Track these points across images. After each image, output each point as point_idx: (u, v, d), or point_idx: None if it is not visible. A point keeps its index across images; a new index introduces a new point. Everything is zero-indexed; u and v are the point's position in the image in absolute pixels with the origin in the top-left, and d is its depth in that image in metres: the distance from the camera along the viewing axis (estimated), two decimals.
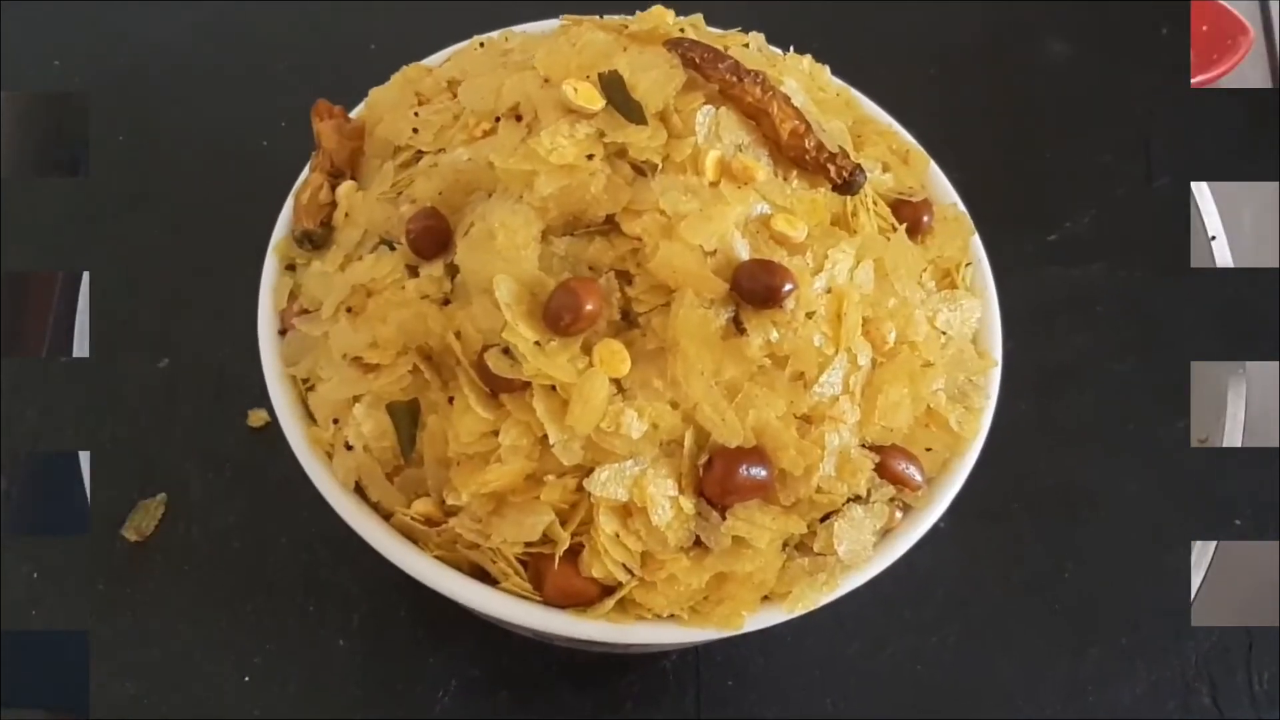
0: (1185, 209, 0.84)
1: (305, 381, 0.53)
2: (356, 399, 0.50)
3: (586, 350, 0.48)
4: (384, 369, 0.50)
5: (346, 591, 0.64)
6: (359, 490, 0.51)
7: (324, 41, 0.88)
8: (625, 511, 0.48)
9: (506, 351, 0.47)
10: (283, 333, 0.54)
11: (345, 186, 0.56)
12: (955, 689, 0.65)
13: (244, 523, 0.66)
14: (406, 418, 0.49)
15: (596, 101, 0.50)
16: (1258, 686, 0.66)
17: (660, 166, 0.50)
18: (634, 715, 0.63)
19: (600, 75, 0.50)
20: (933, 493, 0.53)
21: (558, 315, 0.47)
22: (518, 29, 0.62)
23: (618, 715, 0.63)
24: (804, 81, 0.55)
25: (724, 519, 0.48)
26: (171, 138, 0.82)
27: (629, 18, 0.57)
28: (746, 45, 0.59)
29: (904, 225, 0.56)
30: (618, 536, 0.47)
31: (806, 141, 0.51)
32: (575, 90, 0.50)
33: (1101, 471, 0.72)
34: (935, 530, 0.68)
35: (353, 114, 0.60)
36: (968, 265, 0.59)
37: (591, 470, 0.47)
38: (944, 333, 0.55)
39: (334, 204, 0.56)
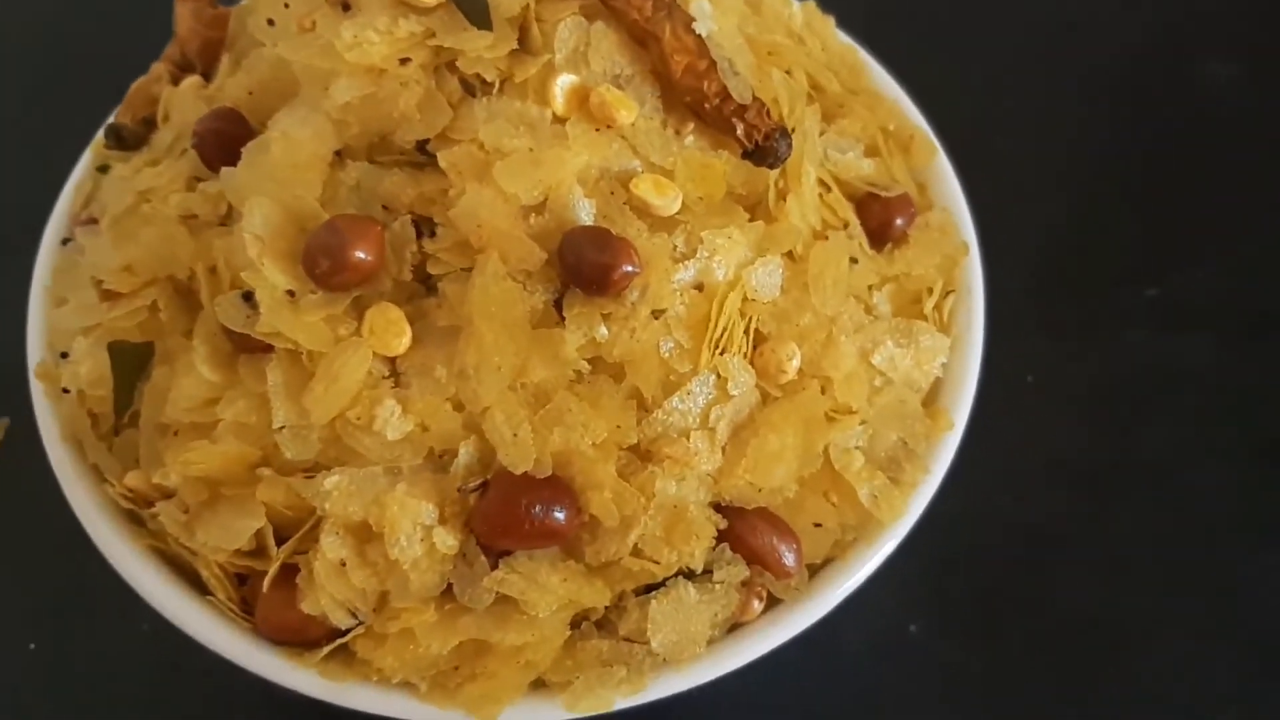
0: None
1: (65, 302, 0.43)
2: (88, 332, 0.40)
3: (360, 314, 0.36)
4: (123, 299, 0.39)
5: None
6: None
7: None
8: (363, 534, 0.36)
9: (250, 298, 0.36)
10: (67, 242, 0.45)
11: (186, 82, 0.46)
12: None
13: None
14: (131, 363, 0.39)
15: None
16: None
17: (497, 87, 0.37)
18: None
19: None
20: (814, 586, 0.38)
21: (314, 259, 0.35)
22: None
23: None
24: (737, 10, 0.41)
25: (494, 568, 0.35)
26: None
27: None
28: None
29: (859, 225, 0.42)
30: (344, 566, 0.35)
31: (706, 84, 0.37)
32: None
33: (1144, 605, 0.54)
34: (905, 635, 0.53)
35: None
36: (949, 294, 0.43)
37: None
38: (882, 373, 0.40)
39: None
